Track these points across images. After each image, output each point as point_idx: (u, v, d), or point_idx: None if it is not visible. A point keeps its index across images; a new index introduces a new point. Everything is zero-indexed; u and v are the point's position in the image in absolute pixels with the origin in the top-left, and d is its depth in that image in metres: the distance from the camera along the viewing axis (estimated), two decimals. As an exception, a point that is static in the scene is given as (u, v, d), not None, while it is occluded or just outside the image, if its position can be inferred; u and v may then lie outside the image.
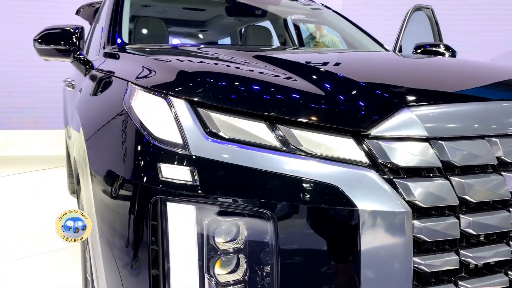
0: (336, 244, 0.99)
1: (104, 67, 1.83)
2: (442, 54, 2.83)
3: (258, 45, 3.01)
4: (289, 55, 2.10)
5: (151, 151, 1.09)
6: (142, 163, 1.09)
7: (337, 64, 1.64)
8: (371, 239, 0.98)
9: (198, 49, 2.00)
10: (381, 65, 1.66)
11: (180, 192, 1.02)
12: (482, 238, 1.11)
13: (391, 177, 1.02)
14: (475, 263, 1.06)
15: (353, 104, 1.10)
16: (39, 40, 2.14)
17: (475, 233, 1.05)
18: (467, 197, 1.04)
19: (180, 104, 1.11)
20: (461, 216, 1.04)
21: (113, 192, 1.15)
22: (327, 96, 1.13)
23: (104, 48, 2.19)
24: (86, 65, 2.11)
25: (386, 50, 2.93)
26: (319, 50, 2.76)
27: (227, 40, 3.98)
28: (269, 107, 1.08)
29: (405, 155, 1.03)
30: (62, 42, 2.12)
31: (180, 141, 1.07)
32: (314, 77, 1.25)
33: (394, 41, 3.29)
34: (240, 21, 3.64)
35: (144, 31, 2.86)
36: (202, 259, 1.02)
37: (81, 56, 2.13)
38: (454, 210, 1.05)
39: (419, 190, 1.00)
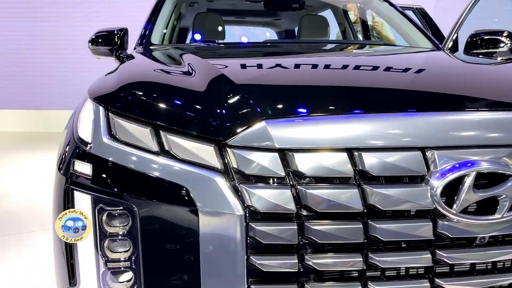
0: (180, 237, 1.15)
1: None
2: (501, 43, 2.58)
3: (302, 41, 3.08)
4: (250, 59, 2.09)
5: (72, 148, 1.35)
6: (65, 158, 1.36)
7: (259, 67, 1.71)
8: (209, 236, 1.12)
9: (197, 51, 2.15)
10: (290, 73, 1.66)
11: (81, 183, 1.27)
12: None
13: (238, 182, 1.13)
14: (318, 269, 1.11)
15: (219, 115, 1.22)
16: (92, 41, 2.56)
17: (319, 241, 1.10)
18: (311, 206, 1.10)
19: (99, 110, 1.35)
20: (306, 223, 1.10)
21: (55, 180, 1.44)
22: (203, 106, 1.26)
23: (135, 48, 2.52)
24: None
25: (433, 42, 2.72)
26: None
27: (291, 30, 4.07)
28: (154, 115, 1.26)
29: (253, 164, 1.12)
30: (107, 42, 2.51)
31: (89, 141, 1.31)
32: (210, 86, 1.37)
33: (451, 28, 3.05)
34: (304, 10, 3.68)
35: (199, 28, 3.13)
36: (96, 239, 1.26)
37: (121, 55, 2.48)
38: (299, 217, 1.11)
39: (258, 196, 1.10)
